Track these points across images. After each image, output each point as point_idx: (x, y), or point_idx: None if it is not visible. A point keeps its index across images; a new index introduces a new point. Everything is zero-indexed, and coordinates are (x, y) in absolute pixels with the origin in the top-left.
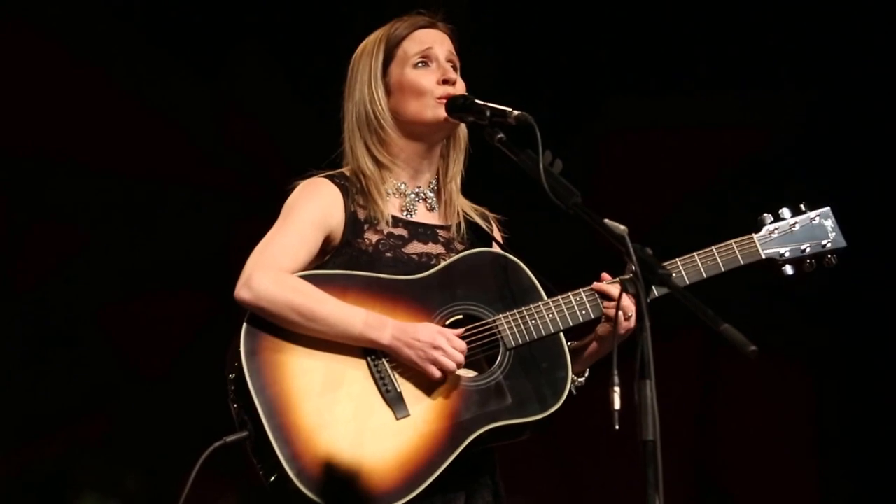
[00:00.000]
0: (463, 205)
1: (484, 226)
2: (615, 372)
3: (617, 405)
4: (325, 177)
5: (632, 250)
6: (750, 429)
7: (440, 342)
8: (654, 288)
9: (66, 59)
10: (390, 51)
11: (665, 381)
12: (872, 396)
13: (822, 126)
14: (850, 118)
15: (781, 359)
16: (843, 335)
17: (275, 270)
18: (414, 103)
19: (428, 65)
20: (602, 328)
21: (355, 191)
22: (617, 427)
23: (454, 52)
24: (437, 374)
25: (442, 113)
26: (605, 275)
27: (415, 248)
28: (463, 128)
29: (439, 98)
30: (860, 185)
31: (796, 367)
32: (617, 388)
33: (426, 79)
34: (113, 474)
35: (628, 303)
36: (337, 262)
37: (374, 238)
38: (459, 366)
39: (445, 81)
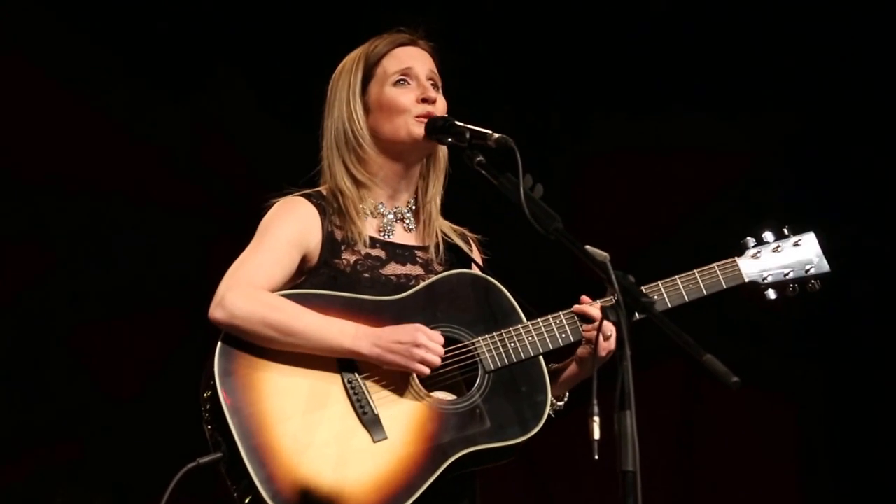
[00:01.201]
0: (442, 225)
1: (463, 247)
2: (595, 402)
3: (597, 435)
4: (302, 195)
5: (614, 278)
6: (732, 459)
7: (420, 339)
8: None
9: (39, 80)
10: (370, 69)
11: (646, 410)
12: (856, 426)
13: (805, 149)
14: (833, 141)
15: (764, 388)
16: (827, 365)
17: (248, 288)
18: (392, 122)
19: (408, 83)
20: (582, 350)
21: (332, 210)
22: (596, 457)
23: (435, 70)
24: (426, 371)
25: (420, 132)
26: (584, 297)
27: (393, 269)
28: (443, 148)
29: (418, 117)
30: (845, 209)
31: (779, 397)
32: (597, 418)
33: (405, 97)
34: (85, 498)
35: (608, 324)
36: (314, 282)
37: (352, 259)
38: (441, 358)
39: (425, 100)
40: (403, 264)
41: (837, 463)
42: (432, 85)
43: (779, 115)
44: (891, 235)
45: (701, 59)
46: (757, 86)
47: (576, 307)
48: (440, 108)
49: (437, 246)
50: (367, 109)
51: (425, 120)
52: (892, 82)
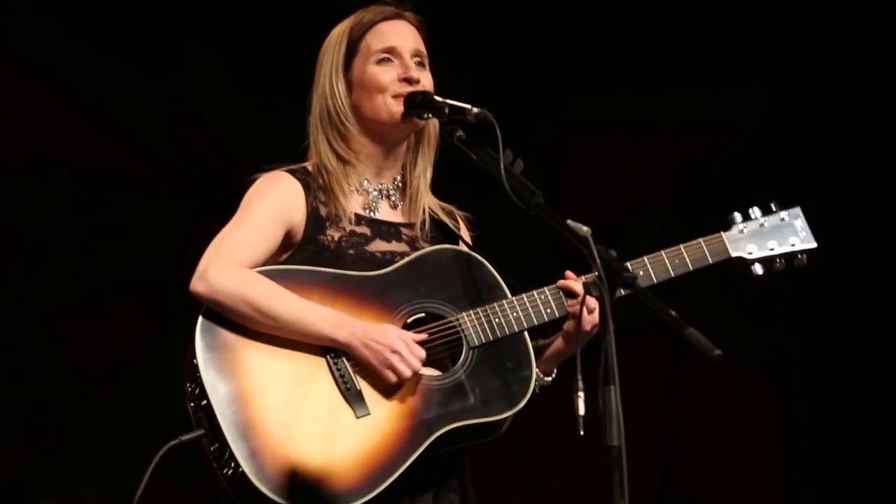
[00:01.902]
0: (430, 202)
1: (451, 224)
2: (579, 377)
3: (582, 410)
4: (287, 171)
5: (595, 252)
6: (715, 434)
7: (399, 347)
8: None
9: (12, 63)
10: (353, 44)
11: (630, 385)
12: (838, 402)
13: (785, 120)
14: (812, 112)
15: (747, 364)
16: (810, 340)
17: (231, 264)
18: (372, 100)
19: (391, 61)
20: (568, 326)
21: (317, 186)
22: (582, 433)
23: (422, 45)
24: (392, 378)
25: (398, 113)
26: (569, 272)
27: (378, 246)
28: (434, 124)
29: (396, 96)
30: (826, 181)
31: (762, 372)
32: (581, 394)
33: (386, 75)
34: (68, 483)
35: (591, 299)
36: (298, 258)
37: (337, 235)
38: (415, 373)
39: (406, 79)
40: (388, 241)
41: (819, 439)
42: (418, 63)
43: (757, 88)
44: (874, 210)
45: (678, 32)
46: (734, 59)
47: (560, 282)
48: (425, 85)
49: (423, 223)
50: (350, 86)
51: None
52: (870, 53)
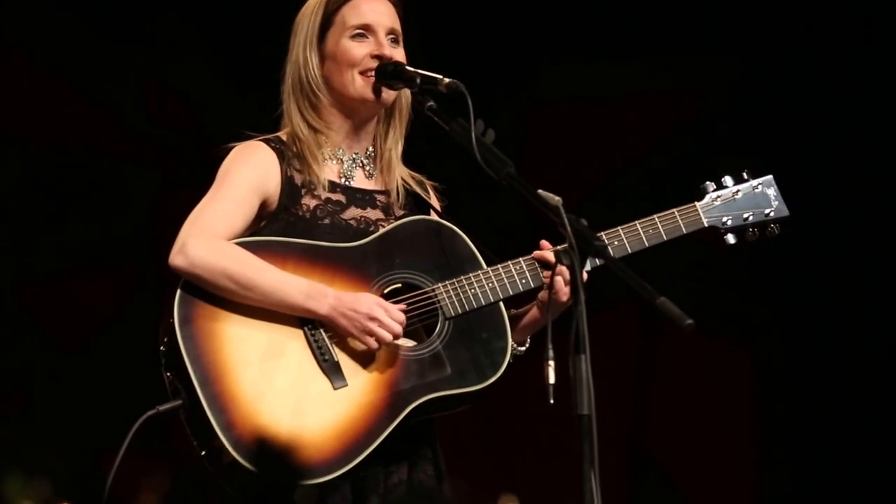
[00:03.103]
0: (402, 172)
1: (422, 193)
2: (550, 346)
3: (552, 380)
4: (261, 140)
5: (567, 222)
6: (687, 404)
7: (377, 313)
8: (591, 258)
9: None
10: (329, 16)
11: (600, 355)
12: (812, 371)
13: (754, 91)
14: (781, 83)
15: (719, 334)
16: (783, 310)
17: (210, 237)
18: (342, 75)
19: (365, 37)
20: (543, 296)
21: (291, 154)
22: (552, 401)
23: (398, 23)
24: (373, 344)
25: (365, 89)
26: (544, 242)
27: (353, 213)
28: (406, 96)
29: (364, 72)
30: (795, 152)
31: (734, 341)
32: (552, 363)
33: (359, 50)
34: (37, 452)
35: (565, 268)
36: (273, 227)
37: (312, 203)
38: (397, 337)
39: (378, 56)
40: (363, 208)
41: (794, 407)
42: (392, 40)
43: (726, 57)
44: (846, 177)
45: (649, 4)
46: (703, 30)
47: (536, 253)
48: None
49: (396, 190)
50: (322, 57)
51: (373, 78)
52: (840, 21)
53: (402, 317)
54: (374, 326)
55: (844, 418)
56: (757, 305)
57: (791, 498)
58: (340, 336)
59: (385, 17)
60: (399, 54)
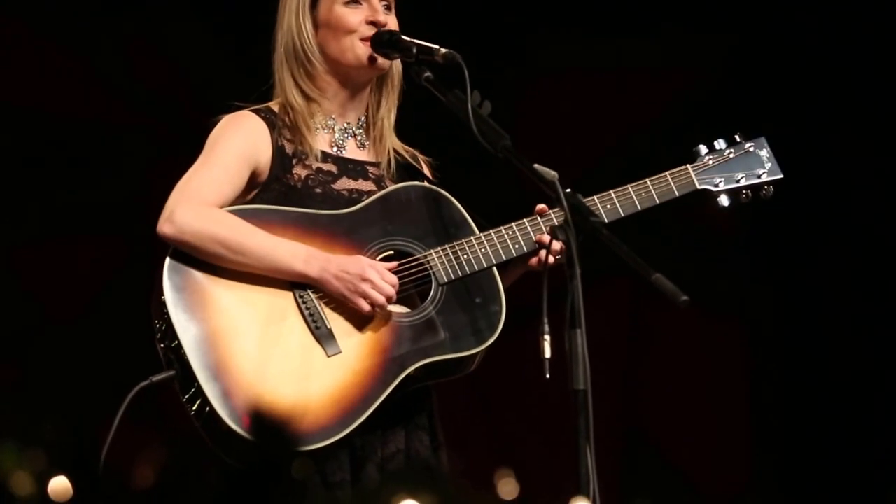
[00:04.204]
0: (394, 144)
1: (415, 165)
2: (545, 320)
3: (548, 354)
4: (251, 110)
5: (563, 196)
6: (682, 378)
7: (370, 275)
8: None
9: None
10: None
11: (595, 330)
12: (805, 348)
13: (746, 66)
14: (777, 59)
15: (713, 309)
16: (777, 287)
17: (199, 204)
18: (339, 42)
19: (359, 3)
20: (533, 262)
21: (282, 125)
22: (548, 376)
23: None
24: (366, 307)
25: (365, 56)
26: (542, 206)
27: (345, 184)
28: (397, 66)
29: (363, 39)
30: (790, 129)
31: (728, 317)
32: (547, 337)
33: (354, 16)
34: (31, 422)
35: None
36: (265, 197)
37: (304, 173)
38: (390, 300)
39: (373, 23)
40: (355, 179)
41: (786, 383)
42: (385, 6)
43: (722, 34)
44: (842, 154)
45: None
46: (699, 4)
47: (538, 207)
48: (393, 28)
49: (388, 162)
50: (316, 24)
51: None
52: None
53: (395, 279)
54: (366, 288)
55: (838, 392)
56: (750, 281)
57: (781, 471)
58: (333, 303)
59: None
60: (392, 21)
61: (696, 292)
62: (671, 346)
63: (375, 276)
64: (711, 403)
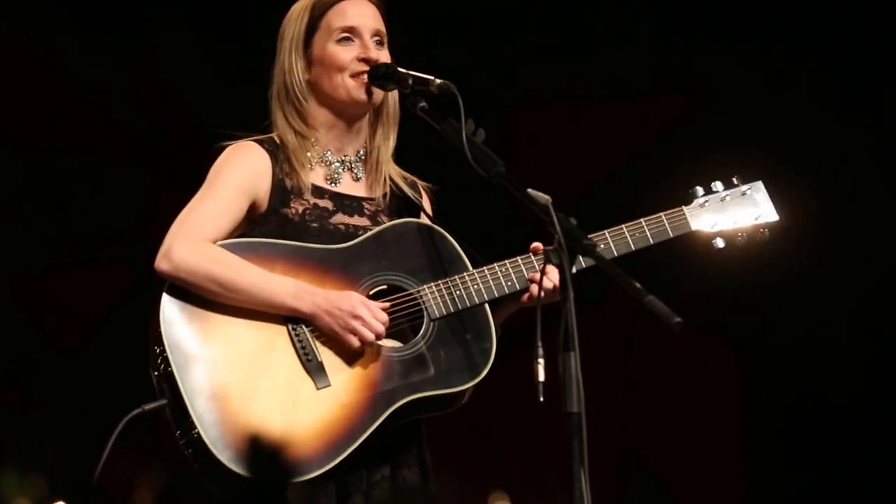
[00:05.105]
0: (392, 173)
1: (413, 195)
2: (539, 344)
3: (542, 377)
4: (255, 140)
5: (556, 220)
6: (674, 402)
7: (360, 312)
8: (581, 259)
9: None
10: (315, 20)
11: (589, 353)
12: (797, 370)
13: (740, 92)
14: (769, 84)
15: (706, 332)
16: (769, 309)
17: (195, 240)
18: (331, 79)
19: (351, 40)
20: (525, 298)
21: (283, 158)
22: (542, 399)
23: (382, 25)
24: (355, 343)
25: (356, 92)
26: (536, 245)
27: (340, 219)
28: (393, 96)
29: (353, 76)
30: (782, 153)
31: (721, 340)
32: (541, 361)
33: (345, 54)
34: (32, 448)
35: (551, 268)
36: (263, 230)
37: (300, 208)
38: (379, 337)
39: (365, 60)
40: (351, 215)
41: (779, 406)
42: (377, 42)
43: (710, 58)
44: (831, 181)
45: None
46: (688, 32)
47: (533, 245)
48: None
49: (385, 196)
50: (309, 62)
51: (364, 81)
52: (820, 16)
53: (385, 317)
54: (357, 325)
55: (831, 414)
56: (743, 304)
57: (775, 493)
58: (324, 336)
59: (369, 20)
60: (384, 56)
61: (689, 315)
62: (665, 369)
63: (366, 314)
64: (705, 426)
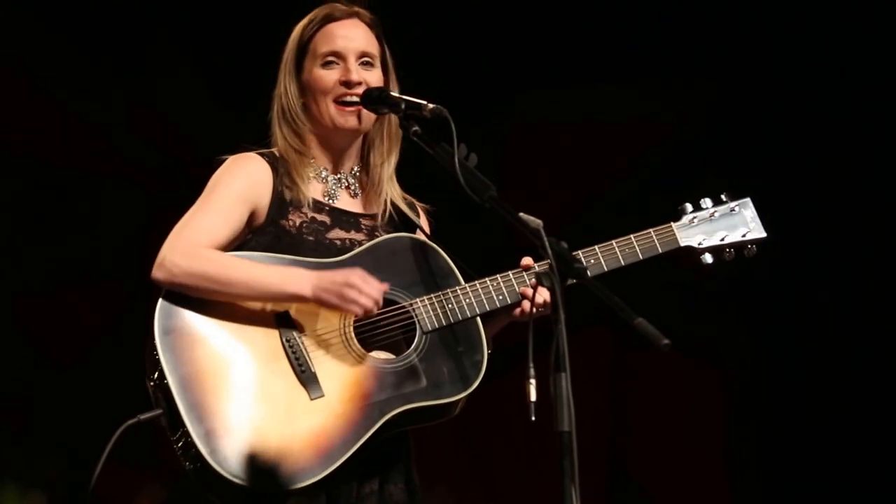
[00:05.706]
0: (393, 193)
1: (411, 214)
2: (531, 364)
3: (533, 397)
4: (257, 153)
5: (547, 244)
6: (662, 421)
7: (353, 280)
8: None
9: None
10: (304, 44)
11: (579, 374)
12: (783, 390)
13: (729, 116)
14: (756, 108)
15: (693, 353)
16: (755, 329)
17: (189, 246)
18: (317, 103)
19: (336, 63)
20: (516, 312)
21: (283, 171)
22: (533, 418)
23: (372, 45)
24: (356, 311)
25: (340, 120)
26: (527, 260)
27: (337, 234)
28: (393, 118)
29: (337, 100)
30: (770, 174)
31: (708, 360)
32: (533, 381)
33: (329, 77)
34: (33, 464)
35: (542, 289)
36: (259, 240)
37: (298, 220)
38: (377, 304)
39: (346, 83)
40: (347, 231)
41: (765, 425)
42: (365, 63)
43: (700, 82)
44: (817, 198)
45: (625, 30)
46: (679, 55)
47: (523, 261)
48: (371, 84)
49: (382, 213)
50: (301, 86)
51: (346, 106)
52: (812, 45)
53: (379, 285)
54: (353, 294)
55: (816, 434)
56: (730, 324)
57: None
58: (319, 347)
59: (355, 42)
60: (372, 77)
61: (676, 336)
62: (653, 389)
63: (359, 281)
64: (692, 445)
